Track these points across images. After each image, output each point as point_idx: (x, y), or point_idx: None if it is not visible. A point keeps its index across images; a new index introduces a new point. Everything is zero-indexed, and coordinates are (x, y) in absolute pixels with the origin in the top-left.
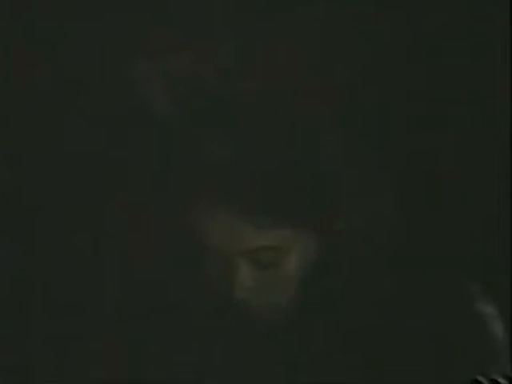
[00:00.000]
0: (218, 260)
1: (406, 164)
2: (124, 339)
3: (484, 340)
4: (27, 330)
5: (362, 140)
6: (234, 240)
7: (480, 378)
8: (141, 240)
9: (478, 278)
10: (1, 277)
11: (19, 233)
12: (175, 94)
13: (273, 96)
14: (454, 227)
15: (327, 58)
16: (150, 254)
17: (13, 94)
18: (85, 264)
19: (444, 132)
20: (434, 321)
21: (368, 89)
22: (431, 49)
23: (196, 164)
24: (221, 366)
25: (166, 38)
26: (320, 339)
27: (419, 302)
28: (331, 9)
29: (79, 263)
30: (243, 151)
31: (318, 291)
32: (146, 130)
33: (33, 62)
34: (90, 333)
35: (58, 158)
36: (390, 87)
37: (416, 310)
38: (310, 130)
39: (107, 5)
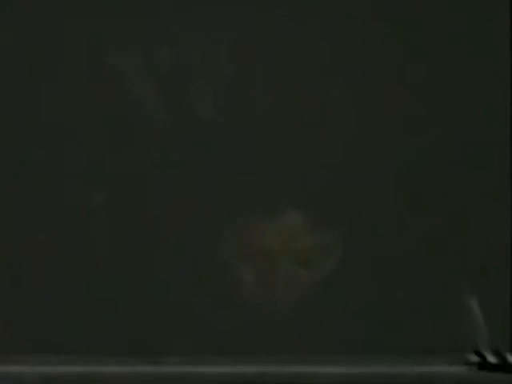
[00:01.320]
0: (261, 259)
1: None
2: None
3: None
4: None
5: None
6: (287, 239)
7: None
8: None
9: (473, 279)
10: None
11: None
12: (164, 88)
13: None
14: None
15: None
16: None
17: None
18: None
19: (442, 131)
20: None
21: (367, 94)
22: (431, 49)
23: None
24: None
25: (154, 32)
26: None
27: (418, 296)
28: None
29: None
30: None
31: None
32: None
33: (18, 55)
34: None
35: (51, 153)
36: (389, 88)
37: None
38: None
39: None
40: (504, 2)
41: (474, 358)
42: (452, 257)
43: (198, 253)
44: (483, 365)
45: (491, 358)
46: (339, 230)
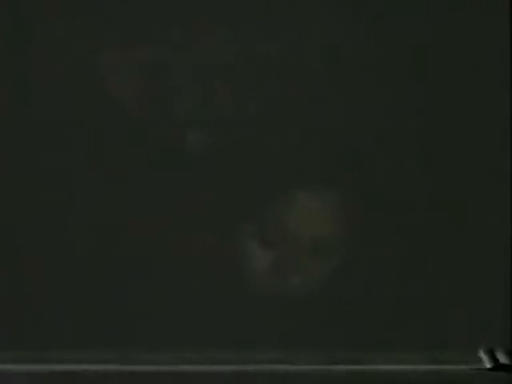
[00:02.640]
0: (275, 247)
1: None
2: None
3: None
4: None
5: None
6: (303, 226)
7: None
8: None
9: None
10: None
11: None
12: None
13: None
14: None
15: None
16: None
17: None
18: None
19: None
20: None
21: (368, 96)
22: (432, 49)
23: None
24: None
25: (135, 29)
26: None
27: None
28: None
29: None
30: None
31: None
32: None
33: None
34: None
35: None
36: (391, 88)
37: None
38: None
39: None
40: (504, 2)
41: (484, 358)
42: (452, 257)
43: (208, 239)
44: (494, 366)
45: (503, 359)
46: (357, 218)
